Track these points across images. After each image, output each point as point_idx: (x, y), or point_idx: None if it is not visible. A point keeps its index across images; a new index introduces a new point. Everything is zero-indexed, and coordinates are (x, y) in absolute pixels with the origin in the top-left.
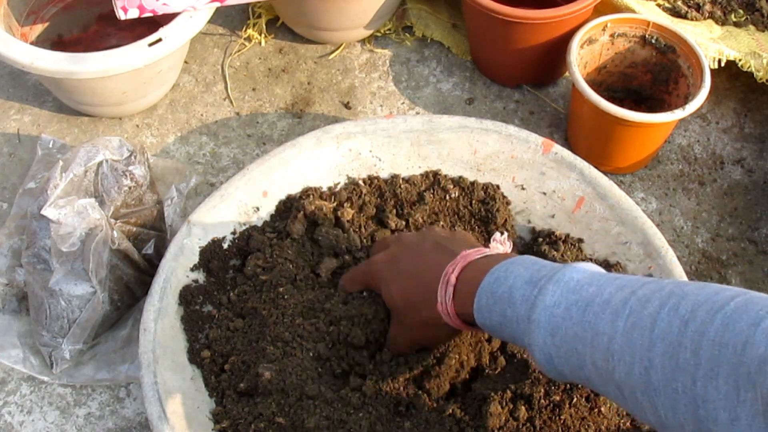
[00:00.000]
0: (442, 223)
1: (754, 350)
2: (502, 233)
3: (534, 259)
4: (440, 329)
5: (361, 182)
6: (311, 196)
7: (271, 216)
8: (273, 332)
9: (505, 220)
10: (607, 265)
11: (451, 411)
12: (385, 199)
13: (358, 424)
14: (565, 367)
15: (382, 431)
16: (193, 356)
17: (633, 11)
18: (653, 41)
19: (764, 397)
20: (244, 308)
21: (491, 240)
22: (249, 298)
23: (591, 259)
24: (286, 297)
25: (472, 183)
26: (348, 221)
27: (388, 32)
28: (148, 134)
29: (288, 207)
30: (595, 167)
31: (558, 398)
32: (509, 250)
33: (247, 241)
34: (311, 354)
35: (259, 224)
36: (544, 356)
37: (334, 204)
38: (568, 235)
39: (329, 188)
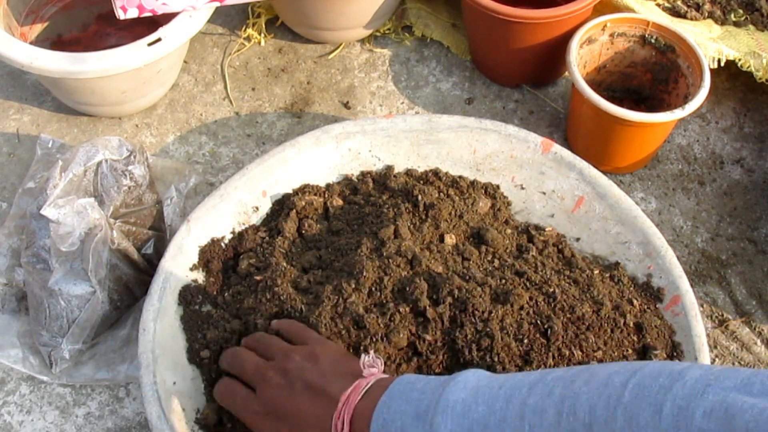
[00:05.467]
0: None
1: None
2: (368, 353)
3: (410, 383)
4: None
5: (355, 179)
6: (307, 193)
7: (266, 214)
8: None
9: (506, 219)
10: (607, 265)
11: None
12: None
13: None
14: None
15: None
16: (193, 356)
17: (632, 11)
18: (653, 41)
19: None
20: (240, 309)
21: (361, 364)
22: (244, 298)
23: (590, 259)
24: (282, 297)
25: (472, 182)
26: (338, 212)
27: (387, 32)
28: (147, 134)
29: (282, 205)
30: (595, 167)
31: None
32: (382, 368)
33: (239, 240)
34: None
35: (258, 224)
36: None
37: (325, 198)
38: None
39: (327, 185)
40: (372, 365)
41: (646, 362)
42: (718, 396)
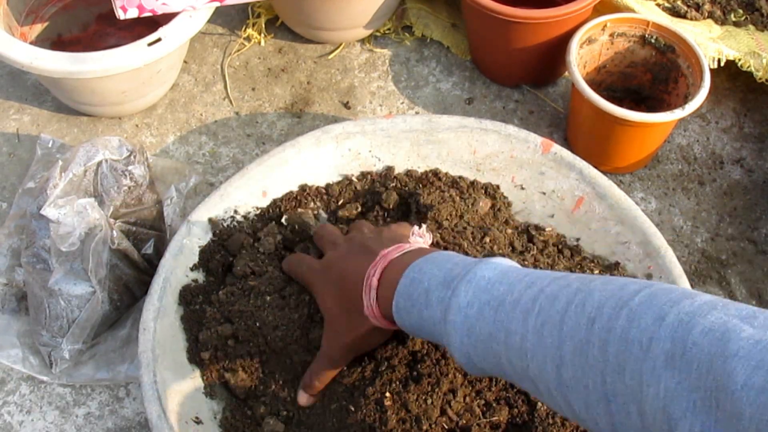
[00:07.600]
0: (371, 217)
1: (659, 346)
2: (420, 226)
3: (448, 256)
4: (371, 333)
5: (355, 179)
6: (307, 193)
7: (257, 216)
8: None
9: (506, 220)
10: (607, 265)
11: None
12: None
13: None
14: (484, 364)
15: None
16: (193, 356)
17: (632, 11)
18: (653, 41)
19: (668, 390)
20: (231, 311)
21: (411, 234)
22: (237, 300)
23: (590, 259)
24: (272, 307)
25: (472, 183)
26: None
27: (387, 32)
28: (147, 134)
29: (277, 207)
30: (595, 167)
31: None
32: (429, 242)
33: (228, 236)
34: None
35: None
36: (463, 355)
37: (317, 207)
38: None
39: (327, 185)
40: (421, 235)
41: (664, 283)
42: (720, 319)
